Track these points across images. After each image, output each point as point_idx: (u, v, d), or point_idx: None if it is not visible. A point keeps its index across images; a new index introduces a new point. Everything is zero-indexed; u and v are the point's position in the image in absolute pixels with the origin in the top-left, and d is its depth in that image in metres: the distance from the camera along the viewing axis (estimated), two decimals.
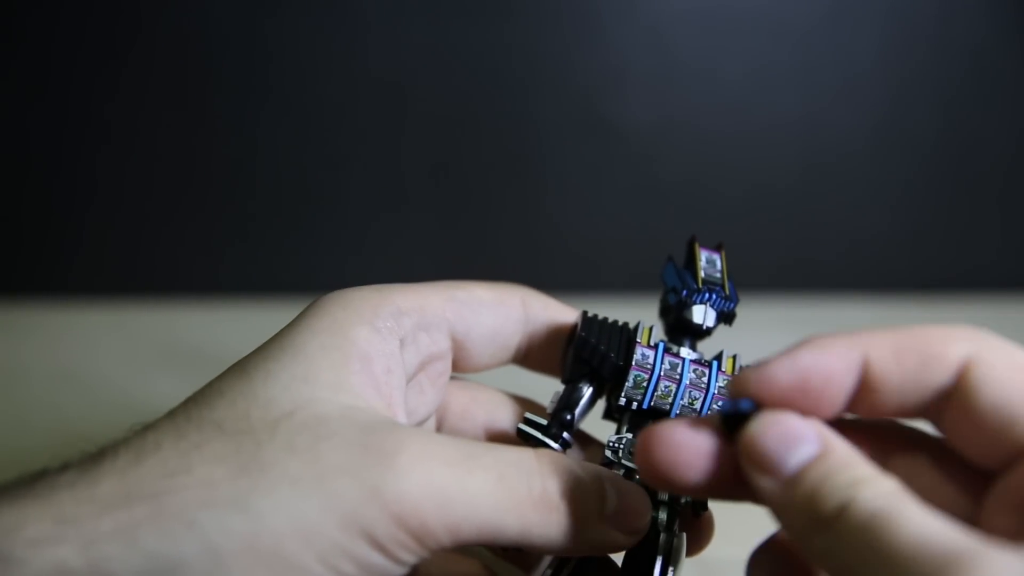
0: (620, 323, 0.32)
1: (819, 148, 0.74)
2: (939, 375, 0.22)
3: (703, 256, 0.31)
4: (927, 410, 0.23)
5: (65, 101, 0.70)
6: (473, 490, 0.24)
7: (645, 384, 0.30)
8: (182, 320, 0.68)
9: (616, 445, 0.29)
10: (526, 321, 0.32)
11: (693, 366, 0.30)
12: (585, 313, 0.32)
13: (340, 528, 0.22)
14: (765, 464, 0.22)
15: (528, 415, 0.31)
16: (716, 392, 0.29)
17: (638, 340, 0.30)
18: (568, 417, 0.30)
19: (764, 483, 0.22)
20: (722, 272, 0.31)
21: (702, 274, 0.31)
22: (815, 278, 0.74)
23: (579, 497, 0.25)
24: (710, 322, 0.31)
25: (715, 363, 0.30)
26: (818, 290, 0.74)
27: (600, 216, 0.74)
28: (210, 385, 0.25)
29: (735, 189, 0.73)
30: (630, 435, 0.29)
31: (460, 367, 0.32)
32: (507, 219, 0.74)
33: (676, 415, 0.29)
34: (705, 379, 0.30)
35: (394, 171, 0.72)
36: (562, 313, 0.33)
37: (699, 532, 0.30)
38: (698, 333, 0.31)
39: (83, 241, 0.73)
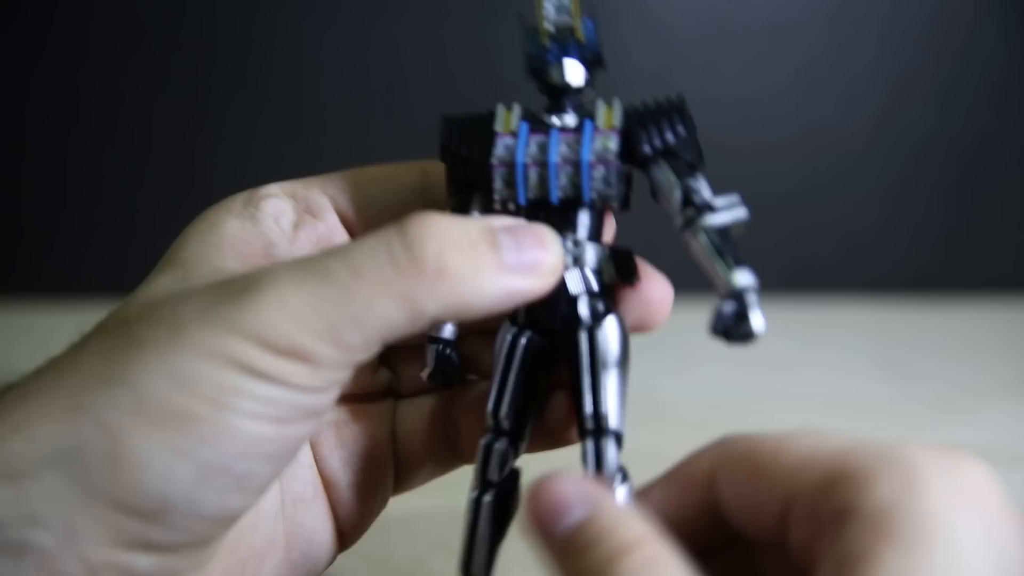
0: (484, 115, 0.27)
1: (818, 149, 0.74)
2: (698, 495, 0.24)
3: (547, 3, 0.27)
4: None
5: (65, 102, 0.70)
6: (330, 296, 0.22)
7: (513, 180, 0.26)
8: None
9: None
10: (426, 190, 0.29)
11: (563, 136, 0.26)
12: (445, 116, 0.28)
13: (214, 369, 0.21)
14: (540, 530, 0.22)
15: None
16: (591, 161, 0.26)
17: (497, 130, 0.27)
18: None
19: (545, 550, 0.22)
20: (572, 13, 0.27)
21: (547, 26, 0.27)
22: (815, 278, 0.74)
23: (463, 252, 0.23)
24: (576, 78, 0.27)
25: (587, 122, 0.26)
26: (818, 290, 0.74)
27: None
28: None
29: (734, 189, 0.73)
30: None
31: None
32: None
33: (556, 200, 0.26)
34: (579, 150, 0.26)
35: None
36: None
37: (644, 305, 0.27)
38: (569, 92, 0.27)
39: (81, 241, 0.73)
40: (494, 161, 0.26)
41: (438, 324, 0.27)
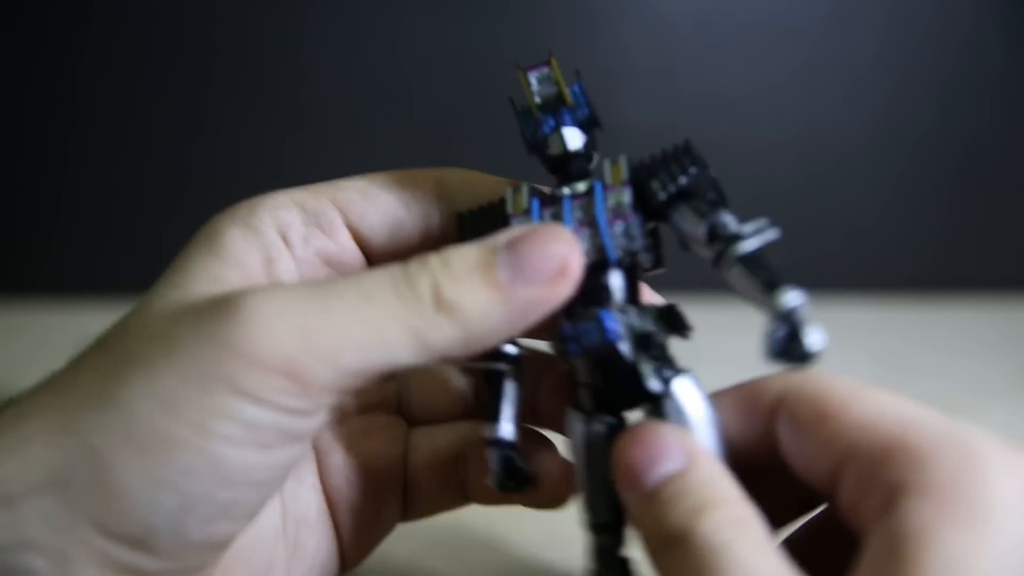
0: (495, 203, 0.27)
1: (819, 149, 0.74)
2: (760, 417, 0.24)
3: (532, 79, 0.27)
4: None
5: (65, 101, 0.70)
6: (336, 315, 0.22)
7: None
8: None
9: (570, 332, 0.24)
10: (440, 203, 0.28)
11: (575, 203, 0.26)
12: (459, 214, 0.27)
13: (202, 391, 0.21)
14: (628, 477, 0.22)
15: None
16: (608, 218, 0.25)
17: (510, 212, 0.26)
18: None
19: (627, 498, 0.22)
20: (558, 82, 0.27)
21: (536, 100, 0.27)
22: (815, 278, 0.74)
23: (458, 282, 0.23)
24: (575, 142, 0.26)
25: (597, 183, 0.26)
26: (818, 290, 0.73)
27: None
28: None
29: (735, 190, 0.73)
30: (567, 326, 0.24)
31: (376, 262, 0.28)
32: None
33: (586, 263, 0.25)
34: (593, 210, 0.25)
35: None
36: (488, 187, 0.29)
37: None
38: (574, 159, 0.26)
39: (81, 241, 0.73)
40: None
41: (453, 360, 0.25)
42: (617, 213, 0.25)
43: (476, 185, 0.29)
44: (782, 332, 0.22)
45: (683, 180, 0.25)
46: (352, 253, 0.28)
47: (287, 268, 0.26)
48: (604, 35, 0.70)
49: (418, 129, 0.71)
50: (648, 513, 0.21)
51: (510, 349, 0.26)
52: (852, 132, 0.74)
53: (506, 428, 0.26)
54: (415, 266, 0.23)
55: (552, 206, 0.26)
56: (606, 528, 0.25)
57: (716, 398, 0.25)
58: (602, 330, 0.24)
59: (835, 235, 0.75)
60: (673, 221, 0.25)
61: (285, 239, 0.27)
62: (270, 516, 0.26)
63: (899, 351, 0.64)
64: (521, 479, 0.26)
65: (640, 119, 0.72)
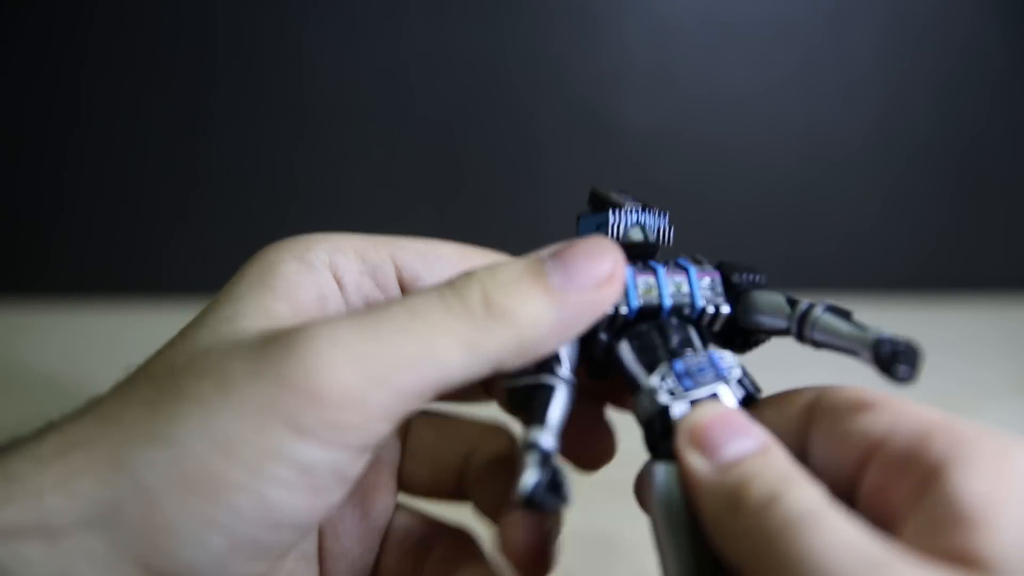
0: None
1: (819, 149, 0.74)
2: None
3: (612, 193, 0.29)
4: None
5: (66, 101, 0.70)
6: (387, 337, 0.22)
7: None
8: (180, 320, 0.68)
9: (661, 384, 0.25)
10: None
11: (664, 267, 0.27)
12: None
13: (257, 430, 0.21)
14: (704, 444, 0.22)
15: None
16: (698, 273, 0.27)
17: None
18: (554, 352, 0.25)
19: (694, 460, 0.22)
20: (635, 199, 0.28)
21: (618, 198, 0.28)
22: (815, 278, 0.74)
23: (508, 287, 0.23)
24: (652, 236, 0.28)
25: (681, 259, 0.28)
26: (818, 290, 0.74)
27: None
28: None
29: (735, 190, 0.73)
30: (664, 365, 0.25)
31: None
32: (507, 220, 0.74)
33: (670, 307, 0.26)
34: (681, 271, 0.27)
35: (393, 172, 0.72)
36: None
37: None
38: (648, 251, 0.28)
39: (81, 241, 0.73)
40: None
41: (506, 369, 0.24)
42: (703, 272, 0.27)
43: None
44: (887, 348, 0.23)
45: (759, 279, 0.28)
46: (428, 289, 0.28)
47: (338, 308, 0.26)
48: (604, 35, 0.70)
49: (420, 129, 0.71)
50: (723, 480, 0.22)
51: (565, 372, 0.25)
52: (852, 132, 0.74)
53: (549, 437, 0.24)
54: (461, 279, 0.23)
55: (645, 273, 0.27)
56: None
57: (756, 405, 0.25)
58: (718, 367, 0.25)
59: (835, 235, 0.75)
60: (748, 301, 0.27)
61: (339, 282, 0.27)
62: None
63: None
64: (561, 496, 0.22)
65: (640, 119, 0.72)
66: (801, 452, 0.24)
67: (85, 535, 0.21)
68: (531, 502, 0.22)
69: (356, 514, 0.29)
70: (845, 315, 0.25)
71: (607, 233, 0.27)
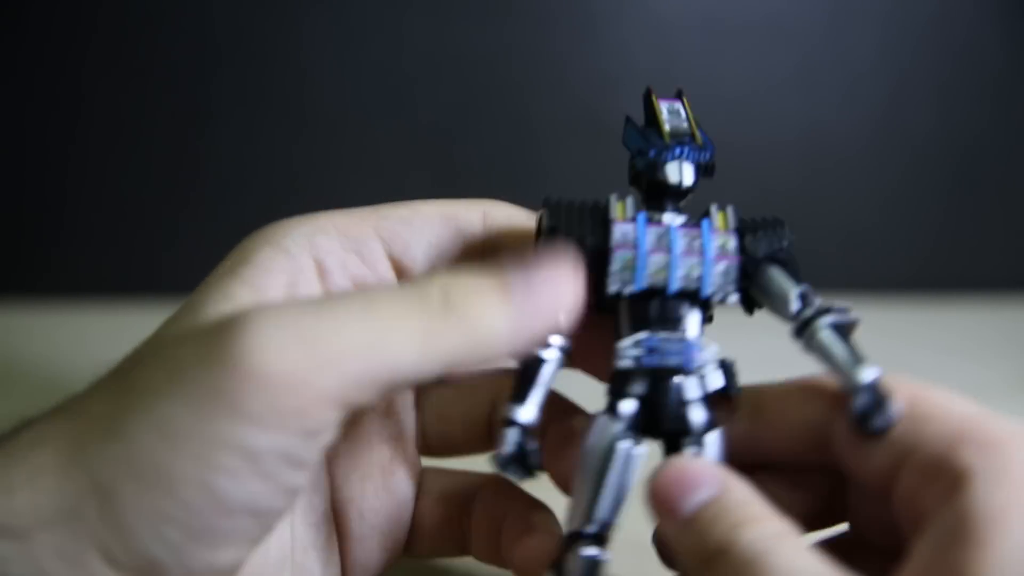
0: (588, 203, 0.27)
1: (819, 149, 0.74)
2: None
3: (663, 108, 0.28)
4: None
5: (66, 101, 0.70)
6: (340, 322, 0.21)
7: (633, 262, 0.26)
8: None
9: (629, 351, 0.25)
10: (486, 235, 0.28)
11: (681, 231, 0.26)
12: (548, 200, 0.27)
13: (202, 418, 0.20)
14: (666, 505, 0.23)
15: None
16: (715, 255, 0.26)
17: (613, 217, 0.26)
18: None
19: (664, 526, 0.23)
20: (688, 120, 0.28)
21: (667, 127, 0.27)
22: (815, 278, 0.74)
23: (470, 290, 0.23)
24: (688, 179, 0.27)
25: (705, 221, 0.27)
26: (818, 290, 0.73)
27: None
28: None
29: (735, 190, 0.73)
30: (644, 334, 0.25)
31: None
32: None
33: (675, 290, 0.26)
34: (698, 242, 0.26)
35: (392, 172, 0.72)
36: (531, 220, 0.28)
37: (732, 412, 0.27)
38: (678, 193, 0.27)
39: (81, 241, 0.73)
40: (613, 245, 0.26)
41: (458, 371, 0.25)
42: (721, 254, 0.26)
43: (519, 218, 0.29)
44: (865, 399, 0.23)
45: (782, 244, 0.27)
46: (390, 285, 0.27)
47: (311, 293, 0.26)
48: (604, 35, 0.70)
49: (420, 129, 0.71)
50: (688, 536, 0.22)
51: (557, 340, 0.26)
52: (852, 132, 0.74)
53: (529, 411, 0.25)
54: (423, 278, 0.23)
55: (656, 226, 0.26)
56: (598, 539, 0.25)
57: (777, 387, 0.26)
58: (686, 356, 0.25)
59: (835, 235, 0.75)
60: (761, 278, 0.27)
61: (321, 265, 0.26)
62: (279, 541, 0.26)
63: (899, 351, 0.64)
64: (528, 466, 0.25)
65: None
66: (825, 443, 0.24)
67: (51, 532, 0.21)
68: (504, 470, 0.25)
69: (379, 492, 0.29)
70: (846, 332, 0.25)
71: (641, 165, 0.27)
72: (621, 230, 0.26)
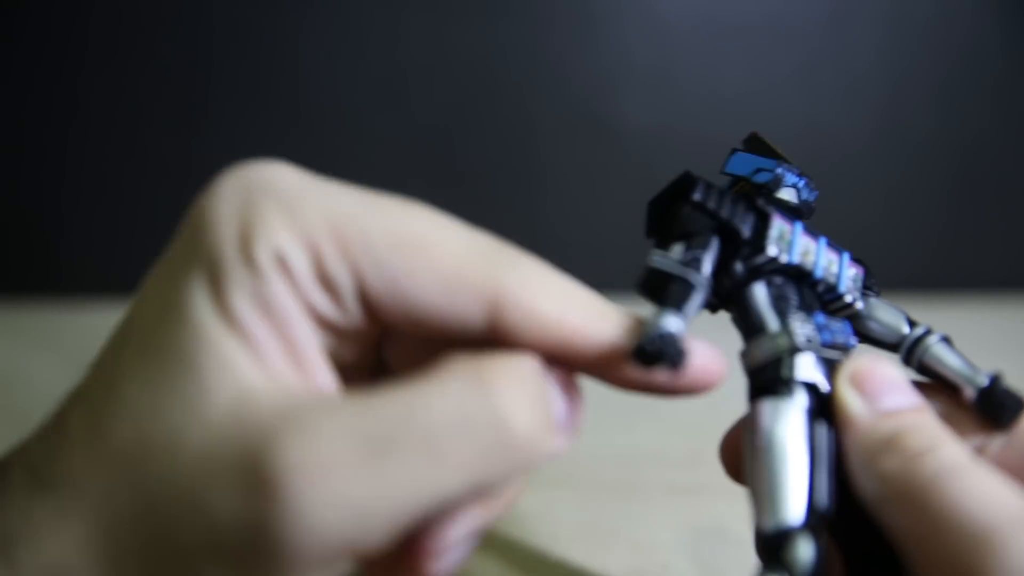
0: (744, 187, 0.28)
1: (819, 149, 0.74)
2: None
3: (778, 147, 0.28)
4: None
5: (66, 102, 0.70)
6: (395, 477, 0.18)
7: (789, 237, 0.26)
8: None
9: (801, 329, 0.25)
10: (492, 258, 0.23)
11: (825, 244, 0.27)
12: (689, 174, 0.27)
13: None
14: (865, 388, 0.24)
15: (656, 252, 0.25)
16: (849, 261, 0.28)
17: (772, 213, 0.26)
18: (698, 257, 0.24)
19: (853, 400, 0.24)
20: (780, 155, 0.29)
21: (783, 153, 0.28)
22: None
23: (541, 414, 0.20)
24: (801, 205, 0.28)
25: (823, 237, 0.28)
26: None
27: (598, 218, 0.73)
28: None
29: None
30: (803, 315, 0.25)
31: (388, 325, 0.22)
32: (505, 221, 0.74)
33: (820, 276, 0.26)
34: (830, 244, 0.27)
35: (392, 171, 0.72)
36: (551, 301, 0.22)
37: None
38: (801, 212, 0.27)
39: (81, 241, 0.73)
40: (774, 216, 0.26)
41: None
42: (852, 261, 0.28)
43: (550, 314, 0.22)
44: (997, 399, 0.26)
45: (875, 281, 0.29)
46: (358, 321, 0.22)
47: (308, 344, 0.21)
48: (604, 35, 0.70)
49: (419, 128, 0.71)
50: (880, 426, 0.23)
51: (706, 274, 0.25)
52: (852, 132, 0.74)
53: (680, 323, 0.22)
54: (501, 387, 0.19)
55: (808, 233, 0.27)
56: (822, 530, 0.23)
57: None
58: (847, 337, 0.26)
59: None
60: (869, 305, 0.28)
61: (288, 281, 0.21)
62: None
63: None
64: (677, 352, 0.22)
65: (640, 119, 0.72)
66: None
67: (26, 552, 0.20)
68: (646, 354, 0.21)
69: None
70: (951, 344, 0.27)
71: (766, 178, 0.28)
72: (778, 221, 0.26)
